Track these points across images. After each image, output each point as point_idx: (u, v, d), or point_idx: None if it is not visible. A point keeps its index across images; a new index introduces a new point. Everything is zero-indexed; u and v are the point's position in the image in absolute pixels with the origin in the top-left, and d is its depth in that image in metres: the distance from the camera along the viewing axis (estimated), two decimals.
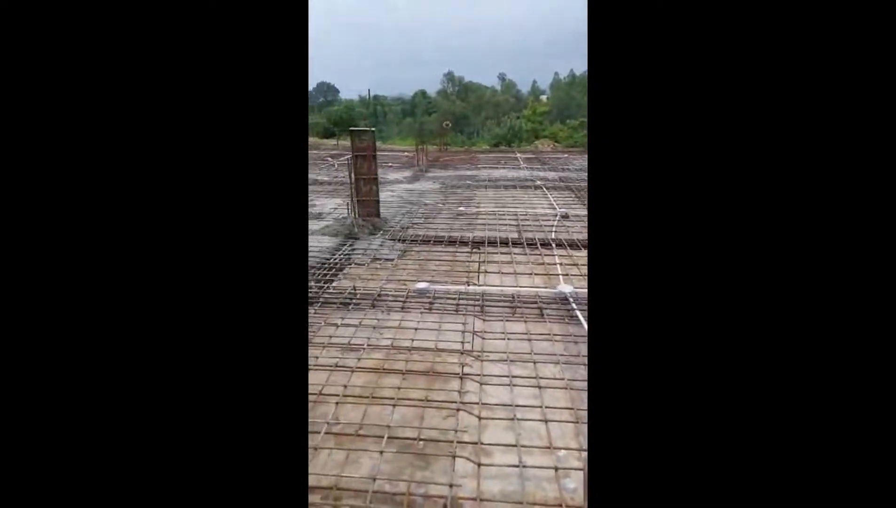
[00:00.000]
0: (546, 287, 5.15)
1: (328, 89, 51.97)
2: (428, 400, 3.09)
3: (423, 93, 43.45)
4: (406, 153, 21.93)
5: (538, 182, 12.60)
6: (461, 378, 3.34)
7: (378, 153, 8.07)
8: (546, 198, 10.62)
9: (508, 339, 3.93)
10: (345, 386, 3.25)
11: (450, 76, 42.73)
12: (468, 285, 5.25)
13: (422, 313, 4.65)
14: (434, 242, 7.40)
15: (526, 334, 4.03)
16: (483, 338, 3.98)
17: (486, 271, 5.76)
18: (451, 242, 7.43)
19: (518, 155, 21.90)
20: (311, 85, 49.01)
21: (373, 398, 3.13)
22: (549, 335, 4.00)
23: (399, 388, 3.22)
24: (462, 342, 3.88)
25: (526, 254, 6.43)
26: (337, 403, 3.06)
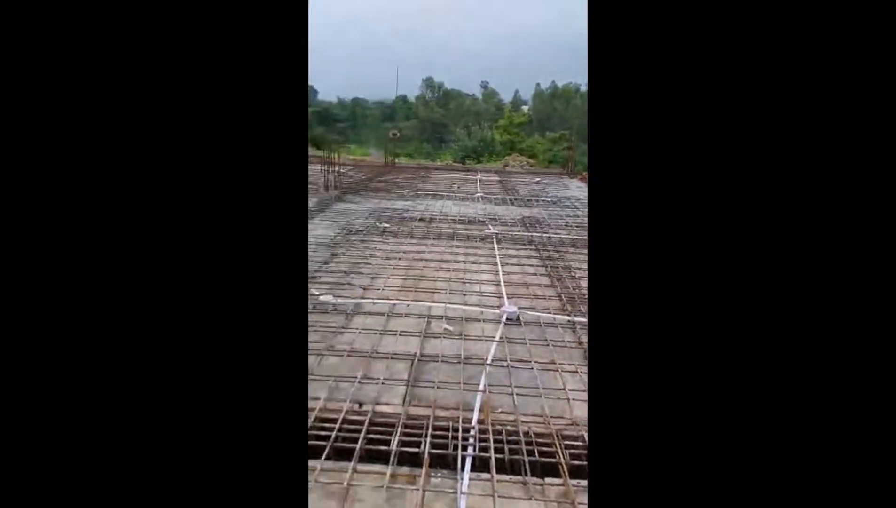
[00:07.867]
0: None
1: None
2: None
3: (403, 98, 42.46)
4: (357, 163, 17.58)
5: (490, 227, 8.16)
6: None
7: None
8: (494, 264, 6.11)
9: None
10: None
11: (429, 82, 40.94)
12: None
13: None
14: None
15: None
16: None
17: None
18: None
19: (479, 176, 15.82)
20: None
21: None
22: None
23: None
24: None
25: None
26: None
